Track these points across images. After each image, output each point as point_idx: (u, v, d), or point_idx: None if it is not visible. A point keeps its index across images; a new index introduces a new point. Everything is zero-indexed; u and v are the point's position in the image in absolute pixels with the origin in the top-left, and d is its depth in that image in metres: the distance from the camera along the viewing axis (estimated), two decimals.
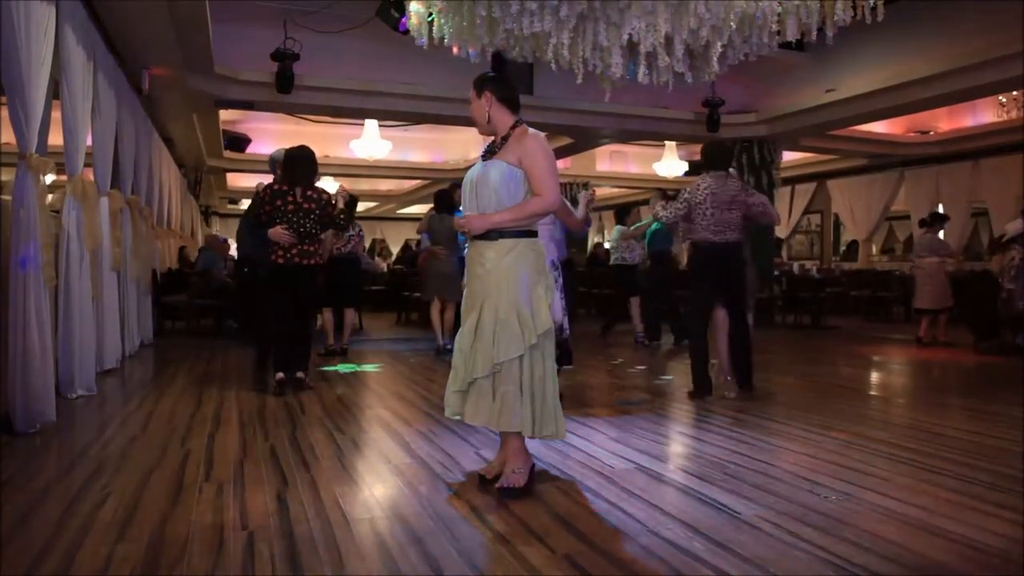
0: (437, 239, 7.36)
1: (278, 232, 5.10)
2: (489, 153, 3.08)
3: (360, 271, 7.78)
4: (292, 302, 5.24)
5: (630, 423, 4.37)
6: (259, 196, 5.27)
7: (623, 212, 8.91)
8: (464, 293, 3.12)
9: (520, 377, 2.91)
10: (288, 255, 5.15)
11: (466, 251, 3.19)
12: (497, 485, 2.96)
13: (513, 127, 3.05)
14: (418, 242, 10.97)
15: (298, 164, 5.22)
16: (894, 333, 9.94)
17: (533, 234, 3.02)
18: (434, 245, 7.43)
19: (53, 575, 2.18)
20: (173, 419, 4.35)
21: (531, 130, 3.04)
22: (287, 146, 5.45)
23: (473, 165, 3.17)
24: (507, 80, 3.16)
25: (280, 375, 5.18)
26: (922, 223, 9.22)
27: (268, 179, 5.69)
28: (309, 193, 5.21)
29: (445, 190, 7.54)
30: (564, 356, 4.71)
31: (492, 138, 3.13)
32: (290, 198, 5.15)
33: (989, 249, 9.81)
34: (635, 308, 8.65)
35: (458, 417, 3.09)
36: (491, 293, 2.93)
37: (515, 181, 2.96)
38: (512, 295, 2.91)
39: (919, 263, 8.80)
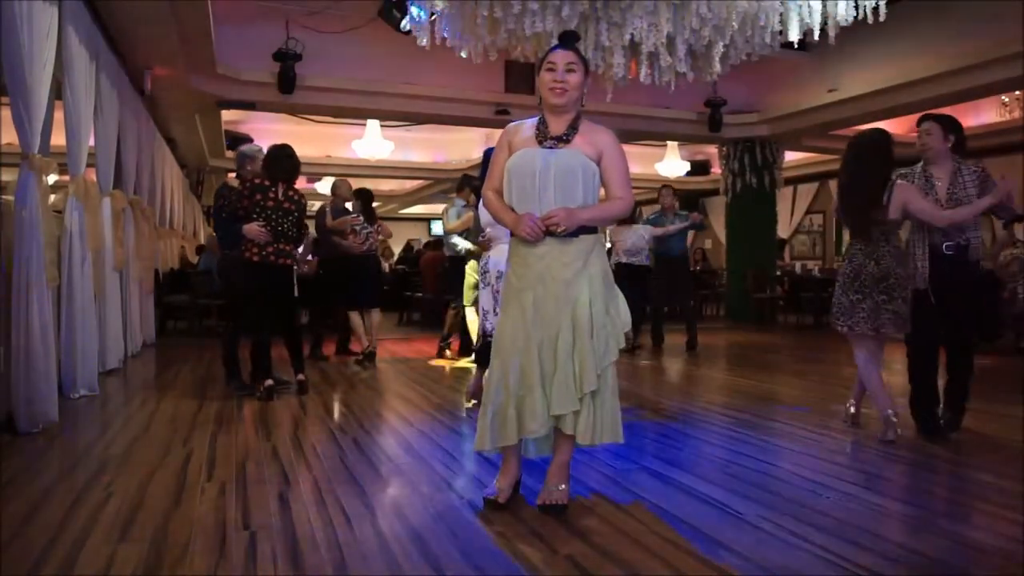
0: (472, 238, 6.36)
1: (254, 228, 4.91)
2: (554, 139, 2.73)
3: (380, 270, 7.44)
4: (272, 304, 5.07)
5: (631, 423, 4.36)
6: (238, 190, 5.12)
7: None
8: (526, 298, 2.71)
9: (612, 383, 2.75)
10: (263, 253, 4.95)
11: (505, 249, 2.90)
12: (540, 503, 2.74)
13: (578, 115, 2.81)
14: (429, 243, 10.34)
15: (282, 161, 5.08)
16: (895, 333, 9.90)
17: (598, 231, 2.81)
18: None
19: (55, 575, 2.18)
20: (175, 419, 4.36)
21: (598, 124, 2.84)
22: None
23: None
24: None
25: (269, 381, 4.94)
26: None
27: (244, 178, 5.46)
28: (291, 193, 5.10)
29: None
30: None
31: (531, 121, 2.83)
32: (271, 194, 5.01)
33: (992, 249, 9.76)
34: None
35: (531, 455, 2.90)
36: (583, 295, 2.67)
37: (596, 176, 2.73)
38: (603, 294, 2.71)
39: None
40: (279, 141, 5.30)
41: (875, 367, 4.16)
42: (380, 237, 7.22)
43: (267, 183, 5.05)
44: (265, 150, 5.30)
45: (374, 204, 7.48)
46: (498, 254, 4.44)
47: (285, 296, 5.18)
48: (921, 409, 4.08)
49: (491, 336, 4.45)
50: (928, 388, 4.10)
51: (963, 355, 4.16)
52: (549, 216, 2.62)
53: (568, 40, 2.85)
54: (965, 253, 4.06)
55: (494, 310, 4.39)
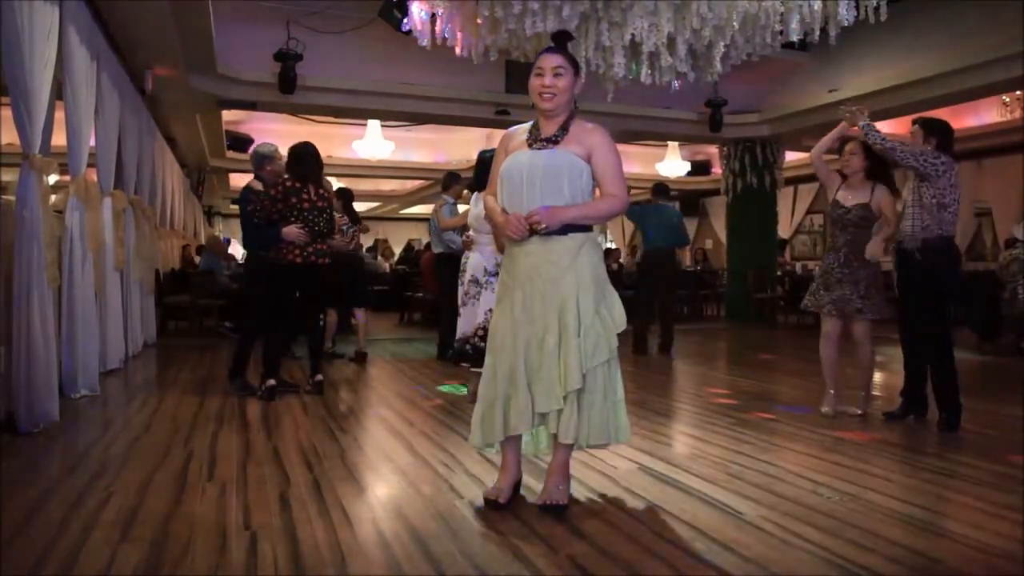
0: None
1: (294, 231, 4.92)
2: (544, 141, 2.76)
3: (364, 269, 7.55)
4: (300, 304, 5.10)
5: (632, 424, 4.36)
6: (269, 194, 5.07)
7: None
8: (515, 297, 2.74)
9: (605, 384, 2.74)
10: (305, 254, 4.96)
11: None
12: (540, 503, 2.75)
13: (571, 116, 2.82)
14: (428, 244, 10.43)
15: (308, 160, 5.07)
16: (895, 333, 9.89)
17: (591, 229, 2.82)
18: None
19: (56, 575, 2.18)
20: (176, 419, 4.36)
21: (592, 123, 2.84)
22: (288, 145, 5.37)
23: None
24: None
25: (271, 381, 4.96)
26: None
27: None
28: (320, 191, 5.13)
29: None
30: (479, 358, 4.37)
31: (529, 123, 2.86)
32: (305, 195, 5.00)
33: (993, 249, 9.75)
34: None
35: (491, 448, 2.88)
36: (570, 294, 2.66)
37: (584, 175, 2.73)
38: (593, 294, 2.70)
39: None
40: (278, 141, 5.28)
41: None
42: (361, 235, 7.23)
43: (298, 184, 5.02)
44: (280, 149, 5.28)
45: (376, 205, 7.51)
46: (475, 257, 4.51)
47: (317, 295, 5.24)
48: (904, 394, 4.49)
49: (464, 333, 4.55)
50: (909, 377, 4.47)
51: (930, 351, 4.29)
52: (531, 215, 2.65)
53: (560, 40, 2.86)
54: (905, 247, 4.29)
55: (459, 310, 4.60)
